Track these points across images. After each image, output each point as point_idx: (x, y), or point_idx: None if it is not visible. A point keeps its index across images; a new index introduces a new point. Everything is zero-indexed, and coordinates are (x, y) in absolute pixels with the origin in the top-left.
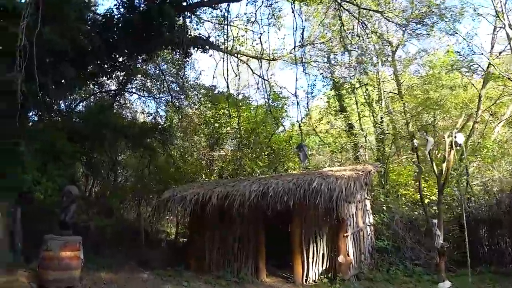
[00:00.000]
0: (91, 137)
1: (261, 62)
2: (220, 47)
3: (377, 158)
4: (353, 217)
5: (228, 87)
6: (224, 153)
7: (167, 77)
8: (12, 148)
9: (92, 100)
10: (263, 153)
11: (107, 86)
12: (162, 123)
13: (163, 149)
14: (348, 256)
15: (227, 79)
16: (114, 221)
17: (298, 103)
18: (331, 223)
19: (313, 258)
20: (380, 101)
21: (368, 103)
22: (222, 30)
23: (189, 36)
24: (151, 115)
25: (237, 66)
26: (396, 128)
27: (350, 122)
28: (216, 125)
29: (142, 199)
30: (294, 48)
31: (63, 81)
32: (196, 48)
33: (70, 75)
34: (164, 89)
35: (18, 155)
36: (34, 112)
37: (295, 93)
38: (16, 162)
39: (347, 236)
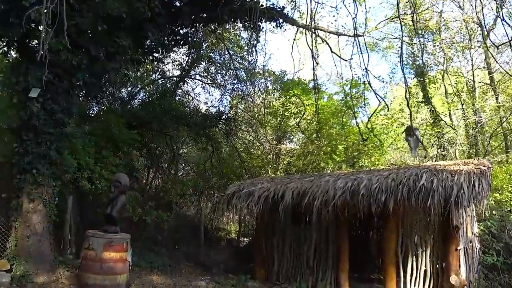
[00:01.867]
0: (151, 124)
1: (339, 39)
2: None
3: (469, 156)
4: (464, 226)
5: (314, 69)
6: (293, 147)
7: (234, 62)
8: (60, 130)
9: (153, 87)
10: (339, 147)
11: (169, 72)
12: (227, 113)
13: (226, 140)
14: (460, 275)
15: (315, 59)
16: (172, 217)
17: (403, 73)
18: (440, 232)
19: (411, 275)
20: (472, 92)
21: (457, 94)
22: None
23: (261, 6)
24: (215, 105)
25: (314, 44)
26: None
27: (436, 114)
28: (286, 115)
29: (203, 194)
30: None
31: (117, 55)
32: (269, 21)
33: (127, 45)
34: (230, 75)
35: (67, 137)
36: (91, 96)
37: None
38: (63, 145)
39: (459, 249)
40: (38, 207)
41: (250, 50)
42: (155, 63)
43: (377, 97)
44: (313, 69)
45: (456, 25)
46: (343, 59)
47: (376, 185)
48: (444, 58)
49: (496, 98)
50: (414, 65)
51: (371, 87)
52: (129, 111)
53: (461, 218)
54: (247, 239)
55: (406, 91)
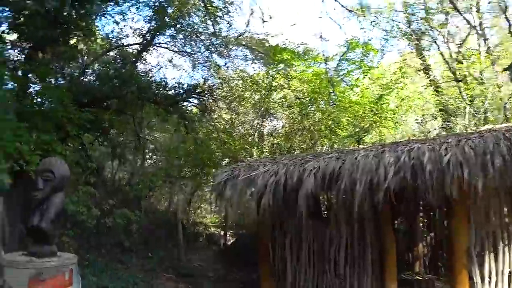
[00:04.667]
0: (109, 101)
1: None
2: None
3: None
4: None
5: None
6: (282, 124)
7: (205, 31)
8: None
9: (109, 58)
10: (342, 120)
11: (126, 38)
12: (201, 85)
13: (201, 119)
14: None
15: None
16: (142, 215)
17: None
18: None
19: (490, 279)
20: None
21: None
22: None
23: None
24: (185, 78)
25: None
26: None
27: (438, 82)
28: (272, 86)
29: (174, 185)
30: None
31: None
32: None
33: None
34: (201, 46)
35: None
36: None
37: None
38: None
39: None
40: None
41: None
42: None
43: None
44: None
45: None
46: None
47: (449, 157)
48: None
49: None
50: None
51: None
52: (78, 86)
53: None
54: (232, 236)
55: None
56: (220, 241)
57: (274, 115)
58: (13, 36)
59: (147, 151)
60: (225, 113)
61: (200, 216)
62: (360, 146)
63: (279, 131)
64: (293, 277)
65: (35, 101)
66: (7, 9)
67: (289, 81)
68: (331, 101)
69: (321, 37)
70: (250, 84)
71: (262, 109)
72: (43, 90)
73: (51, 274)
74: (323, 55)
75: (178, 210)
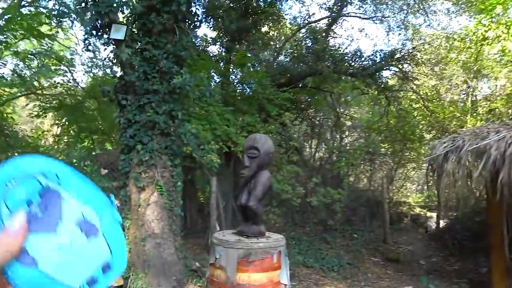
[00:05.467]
0: (305, 78)
1: None
2: None
3: None
4: None
5: None
6: (500, 84)
7: None
8: (168, 85)
9: (299, 38)
10: None
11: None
12: (400, 51)
13: (403, 87)
14: None
15: None
16: (345, 194)
17: None
18: None
19: None
20: None
21: None
22: None
23: None
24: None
25: None
26: None
27: None
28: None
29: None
30: None
31: None
32: None
33: None
34: (394, 8)
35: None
36: None
37: None
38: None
39: None
40: (152, 197)
41: None
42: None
43: None
44: None
45: None
46: None
47: None
48: None
49: None
50: None
51: None
52: (274, 68)
53: None
54: (444, 218)
55: None
56: (427, 223)
57: (489, 75)
58: (213, 34)
59: (344, 128)
60: (429, 79)
61: (402, 195)
62: None
63: (497, 93)
64: None
65: (237, 87)
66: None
67: (508, 29)
68: None
69: None
70: (457, 41)
71: (474, 69)
72: (244, 75)
73: (259, 255)
74: None
75: (384, 188)
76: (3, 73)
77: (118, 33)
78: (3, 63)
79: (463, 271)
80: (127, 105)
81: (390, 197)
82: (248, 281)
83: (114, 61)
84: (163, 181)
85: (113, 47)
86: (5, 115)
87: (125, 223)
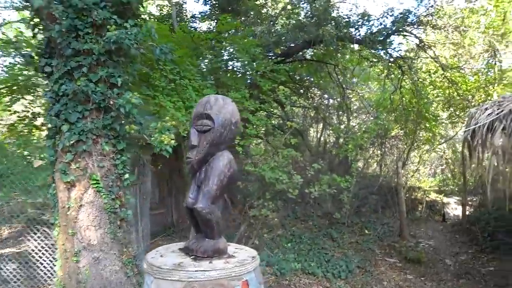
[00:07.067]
0: (305, 49)
1: None
2: None
3: None
4: None
5: None
6: None
7: None
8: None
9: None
10: None
11: None
12: (414, 13)
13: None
14: None
15: None
16: (352, 181)
17: None
18: None
19: None
20: None
21: None
22: None
23: None
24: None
25: None
26: None
27: None
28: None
29: (383, 146)
30: None
31: None
32: None
33: None
34: None
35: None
36: None
37: None
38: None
39: None
40: (86, 196)
41: None
42: None
43: None
44: None
45: None
46: None
47: None
48: None
49: None
50: None
51: None
52: (267, 37)
53: None
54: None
55: None
56: (444, 209)
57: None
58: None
59: (351, 108)
60: (447, 48)
61: (416, 180)
62: None
63: None
64: None
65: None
66: None
67: None
68: None
69: None
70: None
71: (499, 33)
72: (231, 40)
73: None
74: None
75: (398, 173)
76: None
77: None
78: None
79: (501, 273)
80: (53, 73)
81: (404, 182)
82: None
83: (29, 11)
84: (100, 174)
85: None
86: None
87: (54, 231)
